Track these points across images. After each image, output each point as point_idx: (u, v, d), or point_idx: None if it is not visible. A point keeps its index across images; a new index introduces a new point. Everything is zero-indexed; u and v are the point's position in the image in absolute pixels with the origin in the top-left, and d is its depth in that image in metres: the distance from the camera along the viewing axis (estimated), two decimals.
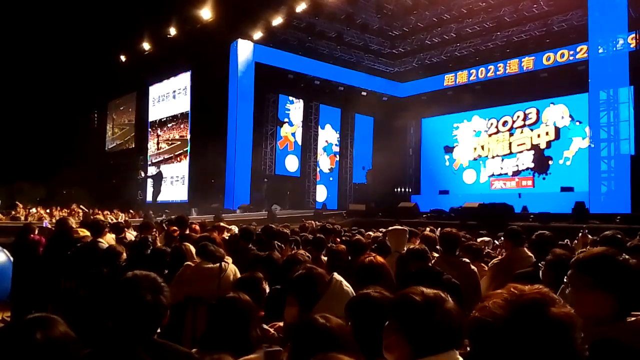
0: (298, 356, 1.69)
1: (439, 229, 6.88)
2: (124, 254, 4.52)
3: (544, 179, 21.18)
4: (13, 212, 18.00)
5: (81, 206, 18.88)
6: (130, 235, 6.84)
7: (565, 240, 6.78)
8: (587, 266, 1.69)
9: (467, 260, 4.22)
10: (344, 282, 2.58)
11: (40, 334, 1.46)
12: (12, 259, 6.88)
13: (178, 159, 24.72)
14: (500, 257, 4.85)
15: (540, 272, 2.90)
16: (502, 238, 5.07)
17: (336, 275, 2.62)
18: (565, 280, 1.78)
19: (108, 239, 5.44)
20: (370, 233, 7.44)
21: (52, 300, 4.78)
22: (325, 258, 4.58)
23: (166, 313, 1.88)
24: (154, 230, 6.66)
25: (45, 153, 26.67)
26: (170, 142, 25.46)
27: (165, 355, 1.80)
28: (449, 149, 24.93)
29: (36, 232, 6.64)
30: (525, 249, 4.24)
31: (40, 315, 1.57)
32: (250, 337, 2.18)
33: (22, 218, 16.55)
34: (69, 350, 1.50)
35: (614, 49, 15.85)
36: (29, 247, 6.08)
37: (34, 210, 19.89)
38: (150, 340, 1.81)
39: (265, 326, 2.49)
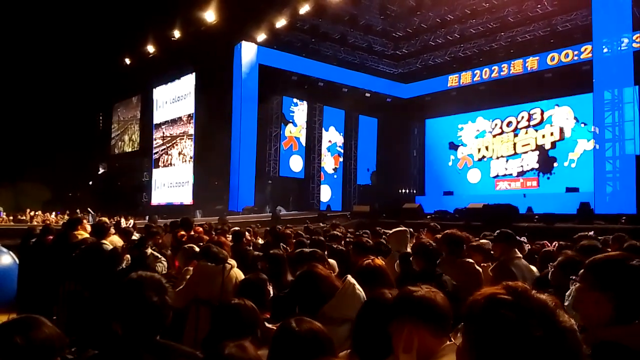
0: None
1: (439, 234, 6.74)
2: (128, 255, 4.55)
3: (548, 178, 21.10)
4: (19, 215, 18.11)
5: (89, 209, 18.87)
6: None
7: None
8: (594, 266, 1.68)
9: (472, 261, 4.17)
10: (357, 286, 2.52)
11: (20, 338, 1.44)
12: (17, 261, 6.90)
13: (182, 160, 24.79)
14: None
15: (550, 273, 2.87)
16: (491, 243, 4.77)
17: (350, 277, 2.57)
18: (572, 277, 1.79)
19: (113, 241, 5.46)
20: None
21: (57, 301, 4.79)
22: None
23: (170, 314, 1.89)
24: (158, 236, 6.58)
25: (50, 155, 26.77)
26: (174, 144, 25.53)
27: (169, 355, 1.80)
28: (453, 146, 24.85)
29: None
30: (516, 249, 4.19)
31: (24, 316, 1.55)
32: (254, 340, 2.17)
33: (28, 220, 16.64)
34: (52, 352, 1.47)
35: (619, 48, 15.78)
36: (44, 248, 5.85)
37: (39, 212, 20.02)
38: (153, 341, 1.81)
39: (268, 325, 2.47)
